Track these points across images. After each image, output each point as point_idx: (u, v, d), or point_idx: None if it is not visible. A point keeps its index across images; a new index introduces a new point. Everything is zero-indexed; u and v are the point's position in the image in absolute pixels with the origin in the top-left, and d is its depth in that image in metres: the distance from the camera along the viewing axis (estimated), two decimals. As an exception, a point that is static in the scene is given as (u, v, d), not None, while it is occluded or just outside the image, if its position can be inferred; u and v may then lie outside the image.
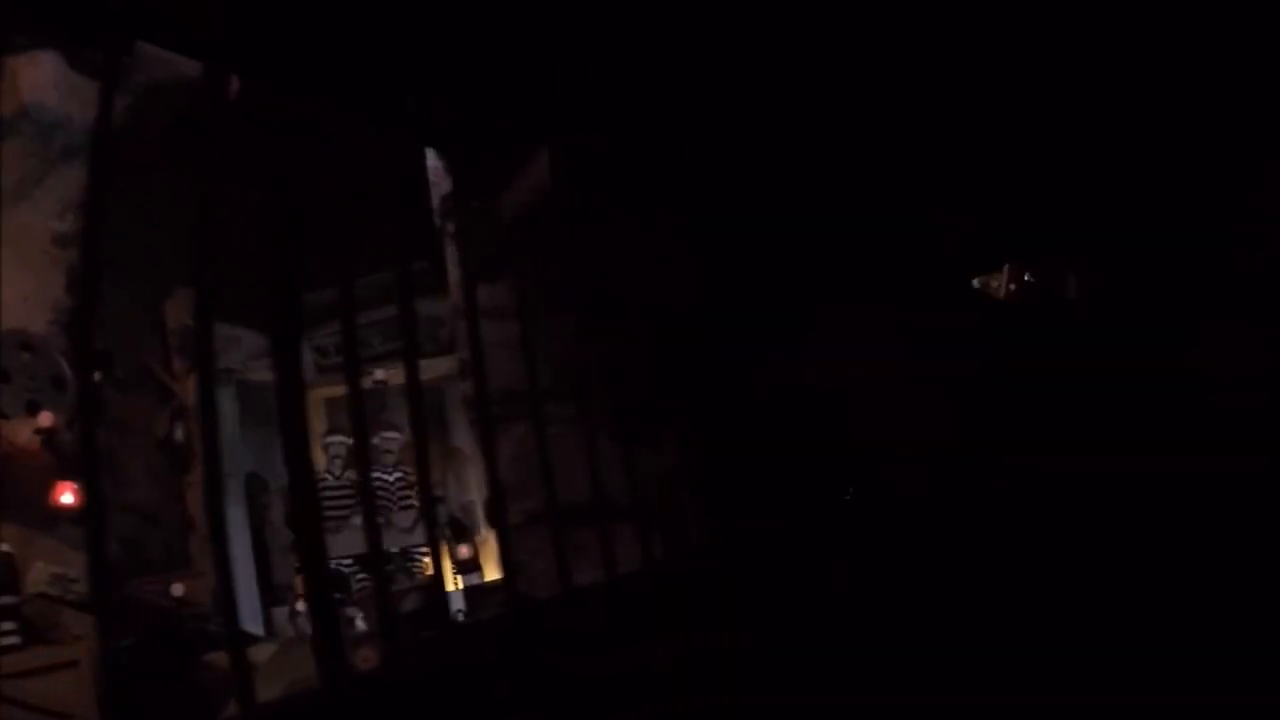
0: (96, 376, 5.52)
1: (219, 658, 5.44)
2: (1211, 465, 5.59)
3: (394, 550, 6.06)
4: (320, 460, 6.37)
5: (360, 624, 5.16)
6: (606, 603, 4.39)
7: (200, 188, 3.50)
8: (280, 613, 5.70)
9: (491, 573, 5.77)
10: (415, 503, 6.25)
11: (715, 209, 6.54)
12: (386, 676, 3.47)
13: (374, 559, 3.54)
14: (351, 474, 6.23)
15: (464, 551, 5.65)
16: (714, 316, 6.65)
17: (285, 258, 3.55)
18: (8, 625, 4.55)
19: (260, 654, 5.23)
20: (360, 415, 3.53)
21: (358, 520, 5.98)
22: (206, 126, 3.68)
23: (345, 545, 5.79)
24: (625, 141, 5.50)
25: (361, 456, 3.52)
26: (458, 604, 5.30)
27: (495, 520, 4.24)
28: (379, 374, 6.26)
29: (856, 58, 6.00)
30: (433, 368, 6.59)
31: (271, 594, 6.03)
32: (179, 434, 5.61)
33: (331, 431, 6.21)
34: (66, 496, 5.13)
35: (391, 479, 6.32)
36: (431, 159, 5.19)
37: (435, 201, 5.21)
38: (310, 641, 3.36)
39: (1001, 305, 8.13)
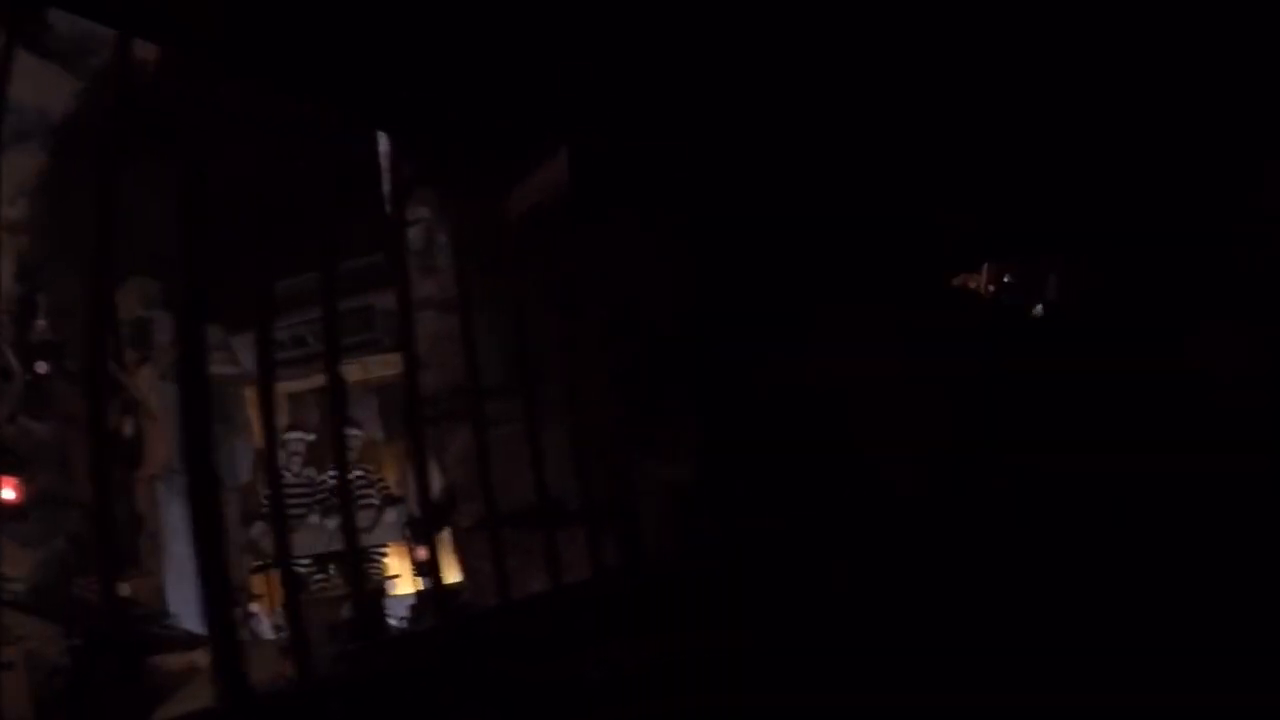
0: (45, 369, 5.36)
1: (166, 660, 5.28)
2: (1211, 465, 5.44)
3: (353, 551, 5.87)
4: (279, 457, 6.19)
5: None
6: (552, 609, 4.20)
7: (103, 164, 3.31)
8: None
9: (450, 575, 5.58)
10: (375, 501, 6.07)
11: (717, 209, 6.41)
12: (299, 688, 3.28)
13: (283, 567, 3.36)
14: (311, 471, 6.06)
15: (422, 553, 5.46)
16: (717, 316, 6.52)
17: (192, 237, 3.37)
18: (-56, 624, 4.40)
19: (205, 658, 5.06)
20: (269, 417, 3.34)
21: (315, 519, 5.82)
22: (113, 99, 3.51)
23: (302, 545, 5.64)
24: (632, 140, 5.36)
25: (271, 459, 3.34)
26: (407, 609, 5.12)
27: (422, 530, 4.06)
28: (336, 368, 6.07)
29: (858, 59, 5.87)
30: (395, 363, 6.41)
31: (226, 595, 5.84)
32: (128, 428, 5.45)
33: (292, 428, 6.05)
34: (7, 492, 4.97)
35: (351, 477, 6.13)
36: (384, 145, 5.00)
37: (387, 189, 5.03)
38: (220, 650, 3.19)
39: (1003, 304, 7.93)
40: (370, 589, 5.53)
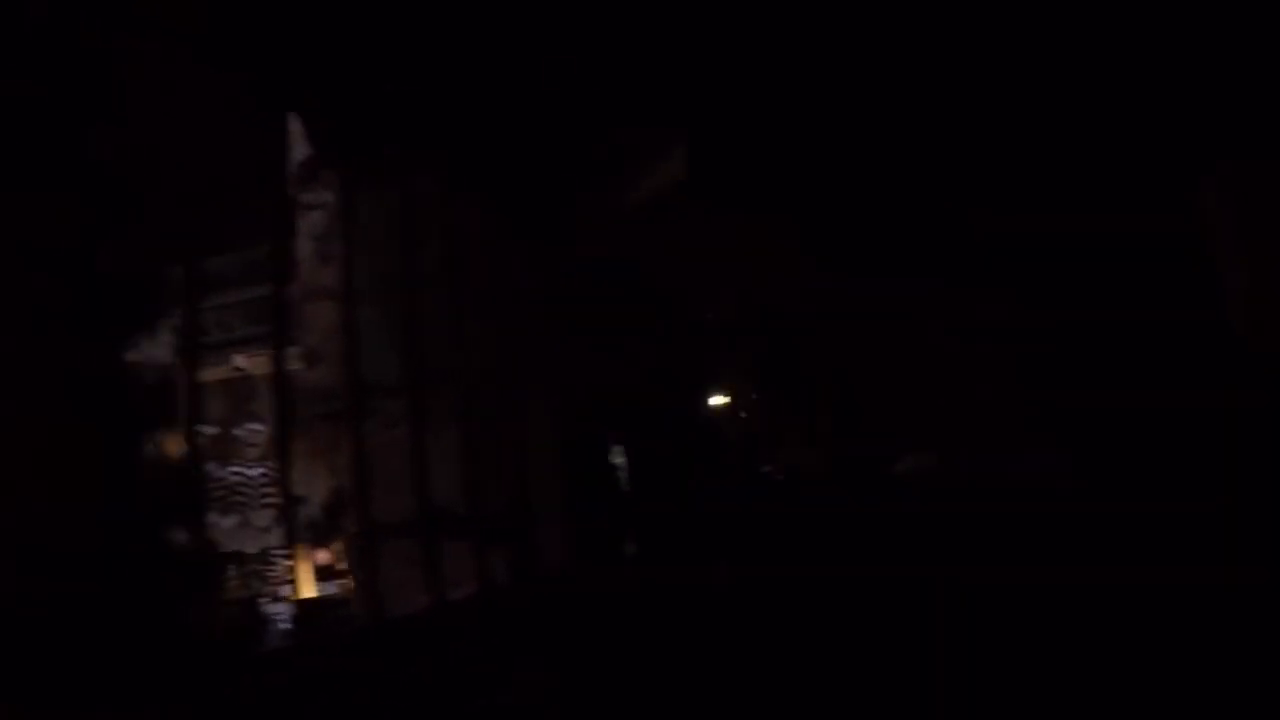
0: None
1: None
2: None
3: (252, 551, 5.57)
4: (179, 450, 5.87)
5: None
6: (436, 625, 3.94)
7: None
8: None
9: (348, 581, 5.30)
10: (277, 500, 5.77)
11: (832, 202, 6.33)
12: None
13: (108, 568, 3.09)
14: (212, 467, 5.76)
15: (322, 556, 5.18)
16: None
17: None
18: None
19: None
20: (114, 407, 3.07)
21: (213, 517, 5.50)
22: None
23: (199, 544, 5.33)
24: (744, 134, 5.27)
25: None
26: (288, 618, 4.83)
27: (292, 538, 3.78)
28: (238, 360, 5.79)
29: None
30: (303, 355, 6.13)
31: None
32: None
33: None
34: None
35: (254, 474, 5.84)
36: (293, 123, 4.73)
37: (292, 169, 4.75)
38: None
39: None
40: (255, 594, 5.24)
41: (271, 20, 4.23)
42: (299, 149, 4.77)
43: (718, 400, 9.11)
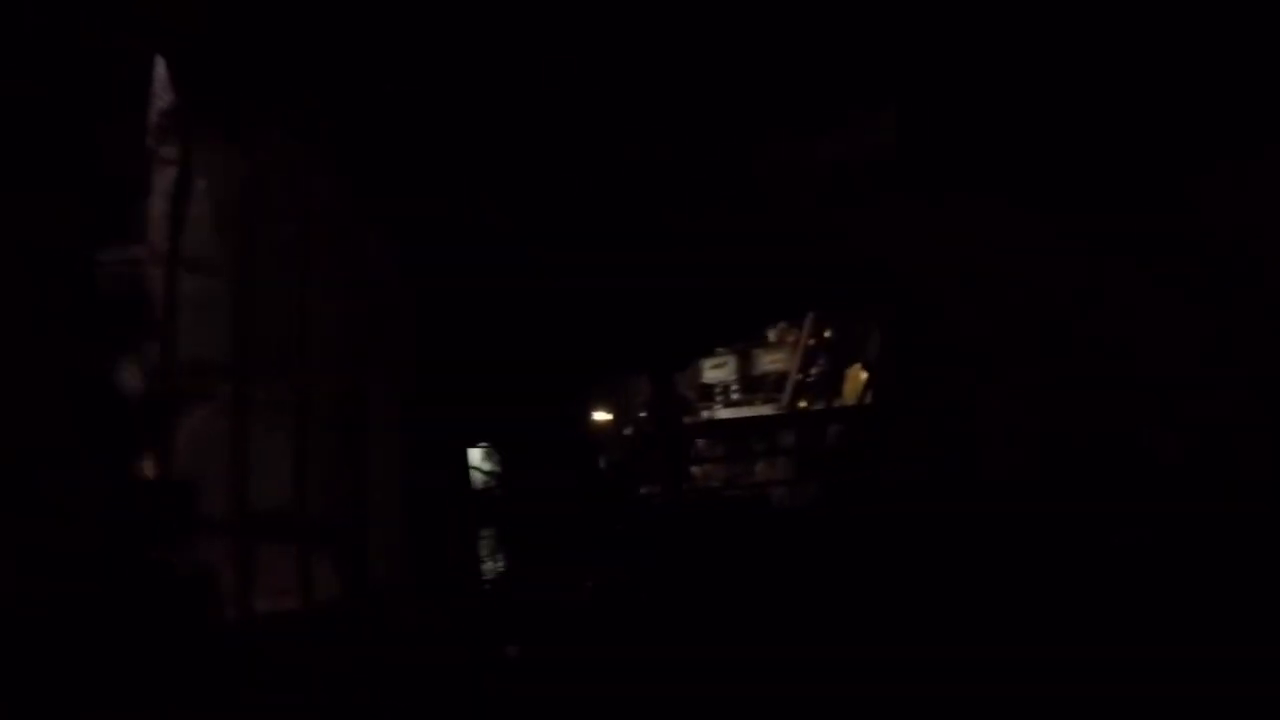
0: None
1: None
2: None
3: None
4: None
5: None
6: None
7: None
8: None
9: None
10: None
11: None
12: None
13: None
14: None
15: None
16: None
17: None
18: None
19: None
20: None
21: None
22: None
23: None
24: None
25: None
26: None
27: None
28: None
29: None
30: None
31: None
32: None
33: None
34: None
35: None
36: (160, 68, 4.28)
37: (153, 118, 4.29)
38: None
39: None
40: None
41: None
42: (163, 96, 4.32)
43: (601, 416, 8.86)
